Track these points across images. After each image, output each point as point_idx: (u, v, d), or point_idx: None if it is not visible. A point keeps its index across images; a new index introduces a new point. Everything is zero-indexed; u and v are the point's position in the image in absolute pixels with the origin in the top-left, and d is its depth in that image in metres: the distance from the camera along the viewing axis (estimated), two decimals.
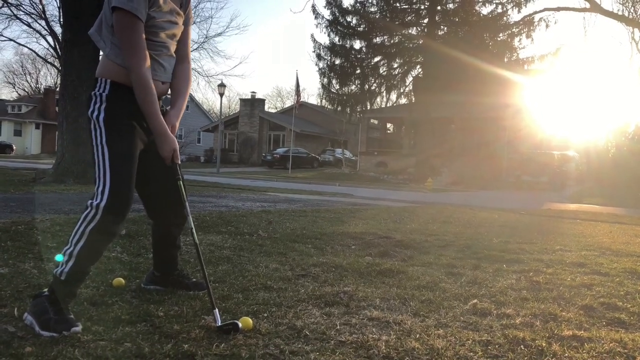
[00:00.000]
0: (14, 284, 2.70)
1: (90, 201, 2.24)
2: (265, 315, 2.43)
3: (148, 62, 2.29)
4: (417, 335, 2.24)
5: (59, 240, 3.87)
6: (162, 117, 2.37)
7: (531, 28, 24.30)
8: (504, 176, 25.23)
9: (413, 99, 28.21)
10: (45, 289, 2.26)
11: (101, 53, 2.45)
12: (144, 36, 2.27)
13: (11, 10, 29.26)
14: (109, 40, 2.32)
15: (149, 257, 3.46)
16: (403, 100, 29.39)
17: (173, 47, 2.51)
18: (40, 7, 28.82)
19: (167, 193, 2.62)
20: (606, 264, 4.21)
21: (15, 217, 4.88)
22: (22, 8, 29.05)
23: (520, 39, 24.96)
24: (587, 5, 20.38)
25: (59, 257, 2.23)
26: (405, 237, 5.21)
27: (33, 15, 29.33)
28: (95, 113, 2.30)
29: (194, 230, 2.56)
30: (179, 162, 2.52)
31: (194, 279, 2.91)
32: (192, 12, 2.71)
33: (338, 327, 2.31)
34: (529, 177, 23.32)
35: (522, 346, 2.17)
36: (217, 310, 2.24)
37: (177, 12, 2.46)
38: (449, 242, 5.13)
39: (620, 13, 22.54)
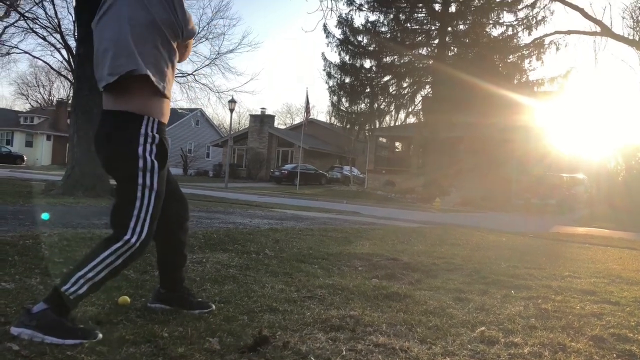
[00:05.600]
0: (19, 300, 2.69)
1: (125, 237, 2.27)
2: None
3: None
4: None
5: (66, 255, 3.88)
6: None
7: (541, 50, 24.36)
8: (512, 198, 25.08)
9: (422, 118, 28.26)
10: (34, 306, 2.22)
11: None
12: None
13: (27, 24, 29.67)
14: (166, 76, 2.37)
15: (156, 274, 3.44)
16: (412, 120, 29.45)
17: None
18: (56, 21, 29.22)
19: (171, 196, 2.65)
20: (616, 293, 4.16)
21: (24, 231, 4.90)
22: (38, 21, 29.47)
23: (530, 61, 25.03)
24: (598, 29, 20.41)
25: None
26: (412, 260, 5.17)
27: (48, 29, 29.72)
28: (147, 152, 2.32)
29: None
30: None
31: (199, 299, 2.90)
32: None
33: (344, 352, 2.28)
34: (537, 199, 23.17)
35: None
36: None
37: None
38: (457, 265, 5.08)
39: (630, 37, 22.52)
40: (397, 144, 38.49)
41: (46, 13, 29.44)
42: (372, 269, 4.53)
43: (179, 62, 2.57)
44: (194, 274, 3.70)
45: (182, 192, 2.78)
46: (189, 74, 31.09)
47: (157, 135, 2.34)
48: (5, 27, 31.52)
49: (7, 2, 28.97)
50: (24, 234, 4.67)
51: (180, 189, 2.79)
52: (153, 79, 2.29)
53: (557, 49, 24.06)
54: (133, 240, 2.27)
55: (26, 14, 29.17)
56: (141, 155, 2.30)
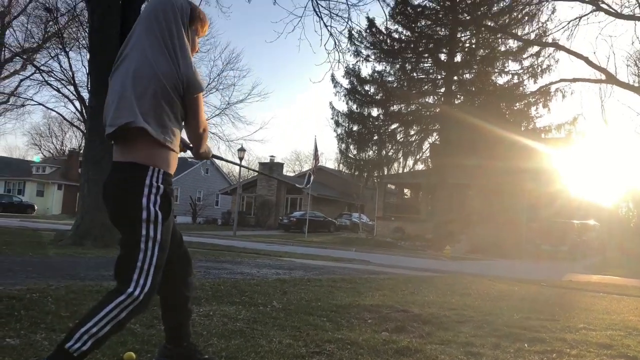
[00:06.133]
0: (24, 357, 2.67)
1: (128, 290, 2.24)
2: None
3: None
4: None
5: (72, 309, 3.85)
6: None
7: (547, 98, 24.57)
8: (523, 244, 24.83)
9: (430, 165, 28.35)
10: None
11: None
12: None
13: (42, 77, 30.52)
14: (169, 129, 2.36)
15: (162, 328, 3.40)
16: (420, 166, 29.55)
17: None
18: (70, 73, 30.03)
19: (179, 252, 2.64)
20: (633, 346, 4.04)
21: (31, 284, 4.88)
22: (53, 74, 30.30)
23: (537, 108, 25.23)
24: (603, 77, 20.60)
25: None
26: (423, 311, 5.08)
27: (63, 81, 30.53)
28: (152, 202, 2.30)
29: None
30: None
31: (206, 356, 2.85)
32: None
33: None
34: (548, 246, 22.93)
35: None
36: None
37: None
38: (468, 317, 4.99)
39: (636, 85, 22.69)
40: (405, 190, 38.48)
41: (61, 66, 30.28)
42: (381, 322, 4.45)
43: (194, 127, 2.53)
44: (200, 327, 3.65)
45: (185, 247, 2.76)
46: None
47: (161, 186, 2.34)
48: (21, 80, 32.49)
49: (24, 56, 29.89)
50: (31, 287, 4.65)
51: (184, 243, 2.77)
52: (152, 131, 2.29)
53: (564, 96, 24.26)
54: (136, 293, 2.23)
55: (42, 67, 30.04)
56: (145, 206, 2.29)
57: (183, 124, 2.49)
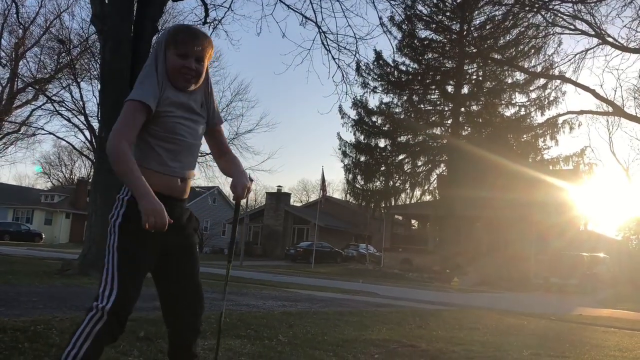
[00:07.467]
0: None
1: (95, 303, 2.22)
2: None
3: (129, 140, 2.28)
4: None
5: None
6: (142, 180, 2.24)
7: (555, 130, 24.68)
8: (532, 277, 24.55)
9: (438, 196, 28.31)
10: None
11: None
12: (140, 120, 2.29)
13: (54, 107, 30.95)
14: (136, 146, 2.37)
15: None
16: (428, 197, 29.50)
17: (191, 146, 2.50)
18: (81, 103, 30.44)
19: (185, 293, 2.58)
20: None
21: (37, 315, 4.86)
22: (64, 104, 30.72)
23: (544, 140, 25.30)
24: (610, 110, 20.67)
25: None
26: (430, 347, 5.01)
27: (73, 111, 30.92)
28: (114, 218, 2.32)
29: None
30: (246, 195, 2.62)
31: None
32: (219, 111, 2.69)
33: None
34: (557, 279, 22.64)
35: None
36: None
37: (191, 109, 2.47)
38: (476, 352, 4.90)
39: None
40: (413, 221, 38.34)
41: (72, 96, 30.70)
42: (388, 357, 4.39)
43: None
44: None
45: (201, 291, 2.64)
46: (207, 154, 31.76)
47: (125, 198, 2.33)
48: (33, 110, 32.99)
49: (37, 87, 30.41)
50: (36, 318, 4.63)
51: (202, 288, 2.61)
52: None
53: (571, 128, 24.36)
54: (102, 304, 2.19)
55: (53, 97, 30.51)
56: (109, 219, 2.32)
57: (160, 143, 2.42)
